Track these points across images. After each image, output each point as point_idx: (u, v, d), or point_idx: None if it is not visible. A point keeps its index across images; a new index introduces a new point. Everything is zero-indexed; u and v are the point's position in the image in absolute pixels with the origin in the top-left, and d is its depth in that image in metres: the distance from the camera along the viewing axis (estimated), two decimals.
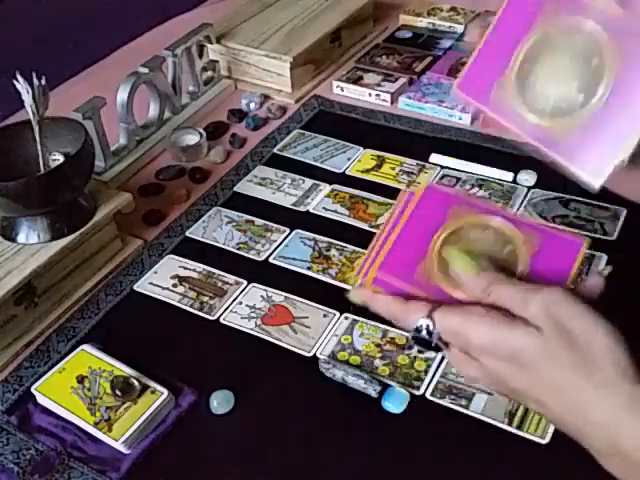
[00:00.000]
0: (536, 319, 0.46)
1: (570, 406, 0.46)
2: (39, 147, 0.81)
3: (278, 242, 0.90)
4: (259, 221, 0.93)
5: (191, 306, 0.82)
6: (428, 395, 0.71)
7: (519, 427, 0.67)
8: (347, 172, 1.01)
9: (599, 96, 0.48)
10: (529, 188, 0.95)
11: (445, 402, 0.70)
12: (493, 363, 0.48)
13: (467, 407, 0.69)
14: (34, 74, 0.79)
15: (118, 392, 0.70)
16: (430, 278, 0.51)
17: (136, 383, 0.71)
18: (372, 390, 0.71)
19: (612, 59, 0.47)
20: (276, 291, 0.83)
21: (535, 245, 0.50)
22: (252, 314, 0.81)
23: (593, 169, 0.50)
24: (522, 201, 0.93)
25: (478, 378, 0.50)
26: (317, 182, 0.99)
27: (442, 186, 0.55)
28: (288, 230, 0.91)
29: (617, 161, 0.49)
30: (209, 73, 1.18)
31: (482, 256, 0.50)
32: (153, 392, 0.71)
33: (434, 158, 1.02)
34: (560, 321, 0.45)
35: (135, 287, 0.85)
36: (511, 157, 1.01)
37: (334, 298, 0.82)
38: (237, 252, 0.89)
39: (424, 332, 0.49)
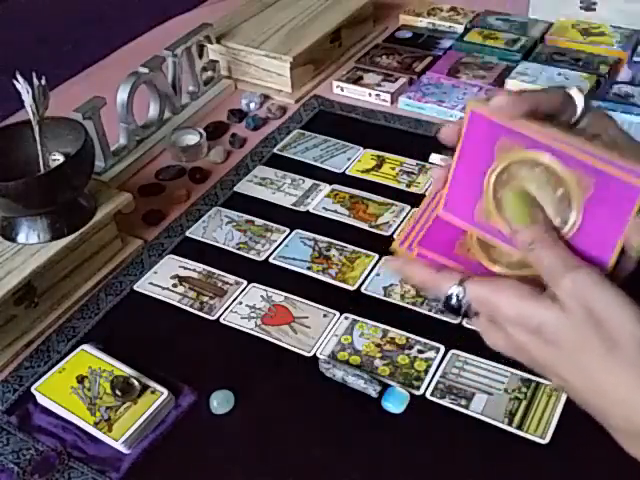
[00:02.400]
0: (565, 296, 0.46)
1: (591, 384, 0.46)
2: (39, 147, 0.81)
3: (278, 242, 0.90)
4: (259, 221, 0.93)
5: (191, 306, 0.82)
6: (428, 395, 0.71)
7: (519, 427, 0.67)
8: (347, 172, 1.01)
9: (572, 221, 0.48)
10: None
11: (445, 402, 0.70)
12: (518, 334, 0.49)
13: (467, 407, 0.69)
14: (34, 74, 0.79)
15: (118, 392, 0.70)
16: (469, 253, 0.51)
17: (136, 383, 0.71)
18: (372, 390, 0.71)
19: (576, 188, 0.47)
20: (276, 291, 0.83)
21: (589, 188, 0.47)
22: (252, 314, 0.81)
23: None
24: None
25: (504, 347, 0.51)
26: (317, 182, 0.99)
27: (485, 107, 0.50)
28: (288, 230, 0.91)
29: None
30: (209, 73, 1.18)
31: (537, 204, 0.49)
32: (153, 392, 0.71)
33: (434, 158, 1.02)
34: (588, 302, 0.45)
35: (135, 287, 0.85)
36: None
37: (334, 298, 0.82)
38: (237, 252, 0.89)
39: (454, 300, 0.50)
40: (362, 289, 0.83)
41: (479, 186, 0.51)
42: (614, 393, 0.45)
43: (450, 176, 0.53)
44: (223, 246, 0.90)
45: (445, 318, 0.78)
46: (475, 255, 0.51)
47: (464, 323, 0.78)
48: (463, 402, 0.70)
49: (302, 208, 0.95)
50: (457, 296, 0.50)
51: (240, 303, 0.82)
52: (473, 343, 0.76)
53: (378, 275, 0.84)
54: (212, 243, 0.91)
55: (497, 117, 0.50)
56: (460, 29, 1.30)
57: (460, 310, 0.51)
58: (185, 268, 0.87)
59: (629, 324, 0.45)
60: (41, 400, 0.72)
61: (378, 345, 0.76)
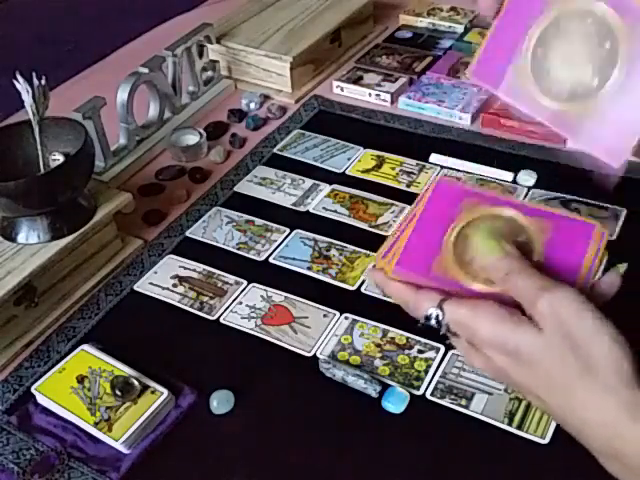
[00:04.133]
0: (541, 318, 0.46)
1: (568, 406, 0.47)
2: (39, 147, 0.81)
3: (278, 242, 0.90)
4: (259, 221, 0.93)
5: (191, 306, 0.82)
6: (428, 395, 0.71)
7: (519, 427, 0.67)
8: (347, 172, 1.01)
9: (614, 79, 0.48)
10: (529, 188, 0.95)
11: (445, 402, 0.70)
12: (496, 356, 0.49)
13: (467, 407, 0.69)
14: (34, 74, 0.79)
15: (118, 392, 0.70)
16: (447, 271, 0.51)
17: (136, 383, 0.71)
18: (372, 390, 0.71)
19: (625, 42, 0.47)
20: (276, 291, 0.83)
21: (548, 232, 0.51)
22: (252, 314, 0.81)
23: (612, 151, 0.50)
24: (522, 201, 0.93)
25: (484, 368, 0.51)
26: (317, 182, 0.99)
27: (453, 180, 0.56)
28: (288, 230, 0.91)
29: (635, 142, 0.49)
30: (209, 73, 1.18)
31: (506, 240, 0.50)
32: (153, 392, 0.71)
33: (434, 158, 1.02)
34: (565, 323, 0.46)
35: (135, 287, 0.85)
36: (511, 157, 1.01)
37: (334, 298, 0.82)
38: (237, 252, 0.89)
39: (433, 321, 0.51)
40: (362, 289, 0.83)
41: (437, 243, 0.52)
42: (594, 416, 0.45)
43: (406, 236, 0.54)
44: (223, 246, 0.90)
45: None
46: (452, 273, 0.51)
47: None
48: (463, 402, 0.70)
49: (302, 208, 0.95)
50: (436, 317, 0.50)
51: (240, 303, 0.82)
52: None
53: None
54: (212, 243, 0.91)
55: (462, 184, 0.55)
56: (460, 29, 1.30)
57: (439, 331, 0.51)
58: (185, 268, 0.87)
59: (606, 348, 0.45)
60: (41, 400, 0.72)
61: (378, 345, 0.76)
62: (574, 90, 0.50)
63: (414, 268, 0.52)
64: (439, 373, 0.73)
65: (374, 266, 0.55)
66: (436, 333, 0.52)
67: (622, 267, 0.52)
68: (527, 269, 0.48)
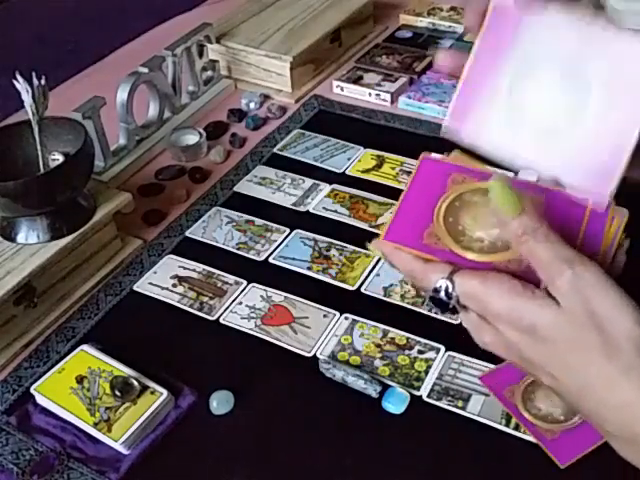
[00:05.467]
0: (563, 293, 0.44)
1: (587, 386, 0.45)
2: (39, 147, 0.81)
3: (278, 242, 0.90)
4: (259, 221, 0.93)
5: (191, 306, 0.82)
6: (425, 397, 0.71)
7: (516, 428, 0.67)
8: (347, 172, 1.01)
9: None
10: None
11: (442, 404, 0.70)
12: (509, 331, 0.47)
13: (464, 408, 0.69)
14: (34, 74, 0.79)
15: (118, 392, 0.70)
16: (439, 241, 0.50)
17: (136, 383, 0.70)
18: (372, 390, 0.71)
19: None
20: (276, 291, 0.83)
21: (541, 205, 0.49)
22: (252, 314, 0.81)
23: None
24: None
25: (493, 345, 0.49)
26: (317, 182, 0.99)
27: (438, 155, 0.57)
28: (288, 230, 0.91)
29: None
30: (209, 73, 1.18)
31: (525, 199, 0.48)
32: (153, 392, 0.70)
33: (434, 158, 1.01)
34: (587, 301, 0.43)
35: (135, 287, 0.85)
36: None
37: (334, 298, 0.82)
38: (237, 252, 0.89)
39: (442, 293, 0.48)
40: (362, 289, 0.83)
41: (428, 215, 0.52)
42: (612, 398, 0.44)
43: (395, 210, 0.53)
44: (223, 246, 0.90)
45: (445, 318, 0.78)
46: (445, 243, 0.50)
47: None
48: (460, 404, 0.70)
49: (302, 208, 0.95)
50: (446, 289, 0.48)
51: (240, 303, 0.82)
52: (472, 344, 0.76)
53: (378, 275, 0.84)
54: (212, 243, 0.91)
55: (447, 160, 0.54)
56: (460, 29, 1.30)
57: (448, 305, 0.49)
58: (185, 268, 0.87)
59: (630, 327, 0.43)
60: (40, 400, 0.72)
61: (378, 345, 0.76)
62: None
63: (404, 239, 0.51)
64: (435, 375, 0.73)
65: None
66: (444, 308, 0.50)
67: (626, 243, 0.51)
68: (547, 234, 0.45)
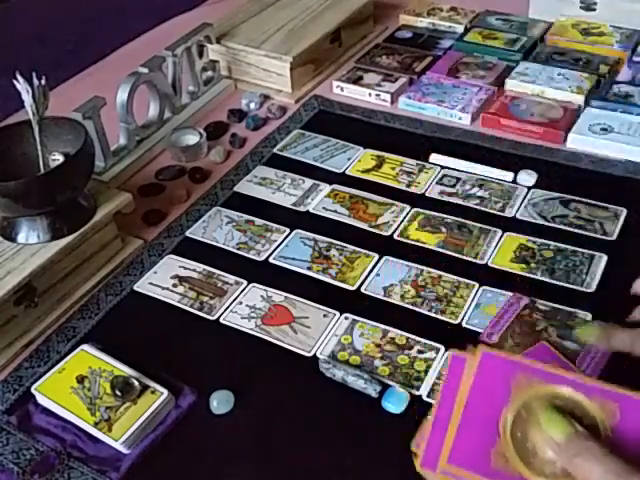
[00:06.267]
0: None
1: None
2: (39, 147, 0.81)
3: (278, 242, 0.90)
4: (259, 221, 0.93)
5: (191, 306, 0.82)
6: (424, 397, 0.71)
7: None
8: (347, 172, 1.01)
9: None
10: (529, 188, 0.95)
11: None
12: None
13: None
14: (34, 74, 0.79)
15: (118, 392, 0.70)
16: (508, 463, 0.46)
17: (136, 383, 0.71)
18: (372, 390, 0.71)
19: (601, 415, 0.46)
20: (276, 291, 0.83)
21: (614, 413, 0.46)
22: (252, 314, 0.81)
23: None
24: (522, 201, 0.93)
25: None
26: (317, 182, 0.99)
27: (497, 351, 0.51)
28: (288, 230, 0.91)
29: None
30: (209, 73, 1.18)
31: (573, 418, 0.45)
32: (153, 392, 0.71)
33: (434, 158, 1.02)
34: None
35: (135, 287, 0.85)
36: (511, 157, 1.01)
37: (334, 298, 0.82)
38: (237, 252, 0.89)
39: None
40: (362, 289, 0.83)
41: (493, 431, 0.47)
42: None
43: (452, 423, 0.48)
44: (223, 246, 0.90)
45: (445, 318, 0.78)
46: (514, 465, 0.46)
47: (464, 324, 0.78)
48: None
49: (302, 208, 0.95)
50: None
51: (240, 303, 0.82)
52: (472, 343, 0.76)
53: (378, 275, 0.84)
54: (212, 243, 0.91)
55: (511, 355, 0.49)
56: (460, 29, 1.30)
57: None
58: (185, 268, 0.87)
59: None
60: (41, 400, 0.72)
61: (378, 345, 0.76)
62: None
63: (471, 464, 0.46)
64: (435, 375, 0.73)
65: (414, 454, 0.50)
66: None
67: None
68: (601, 452, 0.43)
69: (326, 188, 0.98)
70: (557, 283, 0.82)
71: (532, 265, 0.84)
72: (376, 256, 0.87)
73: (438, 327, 0.78)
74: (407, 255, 0.86)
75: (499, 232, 0.89)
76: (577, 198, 0.93)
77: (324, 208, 0.95)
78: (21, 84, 0.78)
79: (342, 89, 1.18)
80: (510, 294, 0.80)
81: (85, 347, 0.75)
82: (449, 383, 0.50)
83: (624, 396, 0.46)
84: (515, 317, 0.76)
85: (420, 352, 0.75)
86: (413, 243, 0.88)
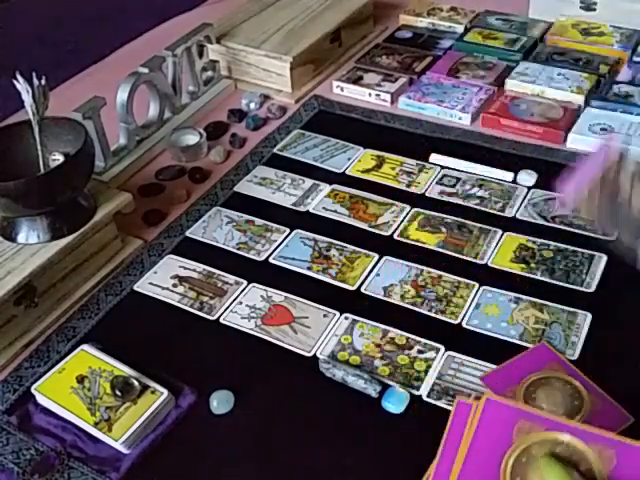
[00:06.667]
0: None
1: None
2: (39, 147, 0.81)
3: (278, 242, 0.90)
4: (259, 221, 0.93)
5: (191, 306, 0.82)
6: (424, 397, 0.71)
7: None
8: (347, 172, 1.01)
9: None
10: (529, 188, 0.95)
11: (441, 403, 0.70)
12: None
13: None
14: (34, 74, 0.79)
15: (118, 392, 0.70)
16: None
17: (136, 383, 0.71)
18: (372, 390, 0.71)
19: (598, 461, 0.48)
20: (276, 291, 0.83)
21: (611, 460, 0.48)
22: (252, 314, 0.81)
23: None
24: (522, 201, 0.93)
25: None
26: (317, 182, 0.99)
27: (500, 397, 0.54)
28: (288, 230, 0.91)
29: None
30: (209, 73, 1.18)
31: (572, 469, 0.48)
32: (153, 392, 0.71)
33: (434, 158, 1.02)
34: None
35: (135, 287, 0.85)
36: (511, 157, 1.01)
37: (334, 298, 0.82)
38: (237, 252, 0.89)
39: None
40: (362, 289, 0.83)
41: (494, 472, 0.49)
42: None
43: (457, 467, 0.50)
44: (223, 246, 0.90)
45: (445, 318, 0.78)
46: None
47: (464, 324, 0.78)
48: None
49: (302, 208, 0.95)
50: None
51: (240, 303, 0.82)
52: (472, 344, 0.76)
53: (378, 275, 0.84)
54: (212, 243, 0.91)
55: (514, 402, 0.51)
56: (460, 29, 1.30)
57: None
58: (185, 268, 0.87)
59: None
60: (41, 400, 0.72)
61: (378, 345, 0.76)
62: None
63: None
64: (435, 375, 0.73)
65: None
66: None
67: None
68: None
69: (326, 188, 0.98)
70: (557, 283, 0.81)
71: (532, 265, 0.84)
72: (376, 256, 0.87)
73: (438, 327, 0.78)
74: (407, 255, 0.86)
75: (499, 232, 0.89)
76: None
77: (324, 208, 0.95)
78: (21, 84, 0.78)
79: (342, 89, 1.18)
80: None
81: (85, 347, 0.75)
82: (454, 428, 0.52)
83: (621, 443, 0.48)
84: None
85: (420, 352, 0.75)
86: (413, 243, 0.88)
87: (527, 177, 0.96)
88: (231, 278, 0.85)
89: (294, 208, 0.95)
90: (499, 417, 0.51)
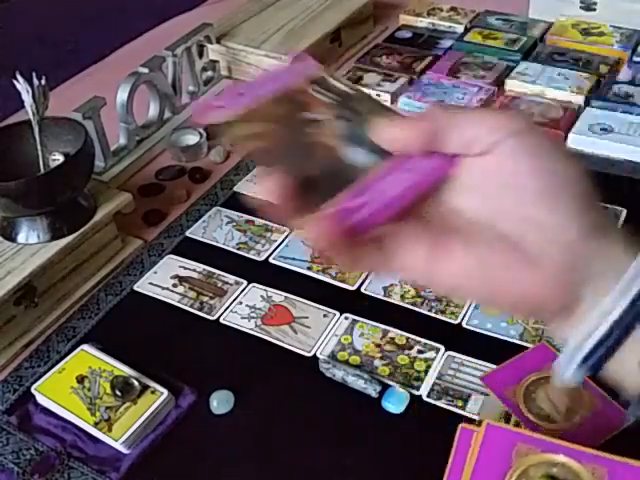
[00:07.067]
0: None
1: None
2: (39, 147, 0.81)
3: (278, 242, 0.90)
4: (259, 221, 0.93)
5: (191, 306, 0.82)
6: (424, 397, 0.71)
7: (517, 426, 0.67)
8: None
9: None
10: None
11: (441, 403, 0.70)
12: None
13: (463, 408, 0.69)
14: (34, 74, 0.79)
15: (118, 392, 0.70)
16: None
17: (136, 383, 0.71)
18: (372, 390, 0.71)
19: (591, 479, 0.50)
20: (276, 291, 0.83)
21: (603, 477, 0.50)
22: (252, 314, 0.81)
23: None
24: None
25: None
26: None
27: (501, 425, 0.56)
28: (288, 230, 0.91)
29: None
30: (209, 73, 1.18)
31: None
32: (153, 392, 0.71)
33: None
34: None
35: (135, 287, 0.85)
36: None
37: (334, 298, 0.82)
38: (237, 252, 0.89)
39: None
40: (362, 289, 0.83)
41: None
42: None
43: None
44: (223, 246, 0.90)
45: (445, 318, 0.78)
46: None
47: (464, 324, 0.78)
48: (459, 403, 0.70)
49: None
50: None
51: (240, 303, 0.82)
52: (472, 343, 0.76)
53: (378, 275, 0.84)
54: (212, 243, 0.91)
55: (511, 428, 0.54)
56: (460, 29, 1.30)
57: None
58: (185, 268, 0.87)
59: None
60: (41, 400, 0.72)
61: (378, 345, 0.76)
62: None
63: None
64: (435, 375, 0.73)
65: None
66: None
67: None
68: None
69: None
70: None
71: None
72: None
73: (438, 327, 0.77)
74: None
75: None
76: None
77: None
78: (21, 84, 0.78)
79: None
80: None
81: (85, 347, 0.75)
82: (457, 454, 0.54)
83: (612, 461, 0.50)
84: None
85: (420, 352, 0.75)
86: None
87: None
88: (231, 278, 0.85)
89: None
90: (499, 441, 0.53)
